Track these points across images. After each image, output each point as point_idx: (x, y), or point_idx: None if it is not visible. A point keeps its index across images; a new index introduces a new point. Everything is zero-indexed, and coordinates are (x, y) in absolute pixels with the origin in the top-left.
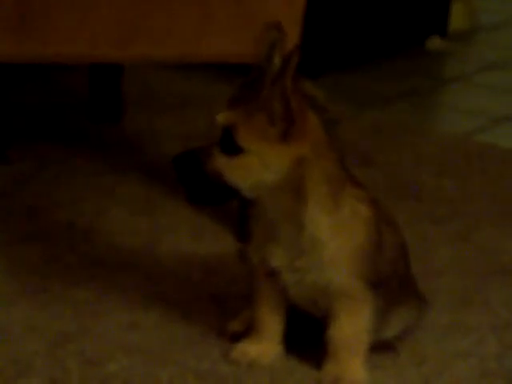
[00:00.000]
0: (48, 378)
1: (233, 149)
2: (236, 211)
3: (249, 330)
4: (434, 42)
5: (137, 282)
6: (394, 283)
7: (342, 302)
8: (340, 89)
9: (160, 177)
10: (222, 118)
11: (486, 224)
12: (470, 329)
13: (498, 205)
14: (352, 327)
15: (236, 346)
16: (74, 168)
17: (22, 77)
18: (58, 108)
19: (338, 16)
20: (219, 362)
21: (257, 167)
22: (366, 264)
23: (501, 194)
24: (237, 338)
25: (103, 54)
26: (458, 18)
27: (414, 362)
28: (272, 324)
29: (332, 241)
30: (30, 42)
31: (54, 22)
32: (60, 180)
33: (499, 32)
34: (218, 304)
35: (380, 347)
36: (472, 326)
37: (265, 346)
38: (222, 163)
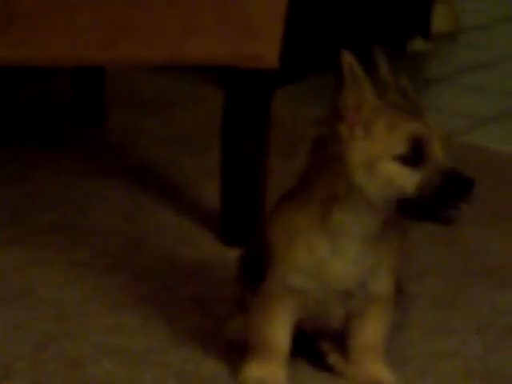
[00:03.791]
0: (31, 381)
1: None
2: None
3: (247, 342)
4: (417, 43)
5: (121, 285)
6: None
7: (376, 306)
8: (323, 90)
9: (144, 179)
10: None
11: (469, 225)
12: (453, 330)
13: (481, 206)
14: (381, 329)
15: (244, 367)
16: (58, 170)
17: (5, 79)
18: (42, 110)
19: (319, 18)
20: (203, 364)
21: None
22: (397, 265)
23: (484, 194)
24: (234, 347)
25: (89, 56)
26: (440, 20)
27: (397, 363)
28: (282, 345)
29: (384, 248)
30: (14, 44)
31: (39, 25)
32: (44, 182)
33: (482, 33)
34: (201, 307)
35: None
36: (455, 327)
37: (274, 367)
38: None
